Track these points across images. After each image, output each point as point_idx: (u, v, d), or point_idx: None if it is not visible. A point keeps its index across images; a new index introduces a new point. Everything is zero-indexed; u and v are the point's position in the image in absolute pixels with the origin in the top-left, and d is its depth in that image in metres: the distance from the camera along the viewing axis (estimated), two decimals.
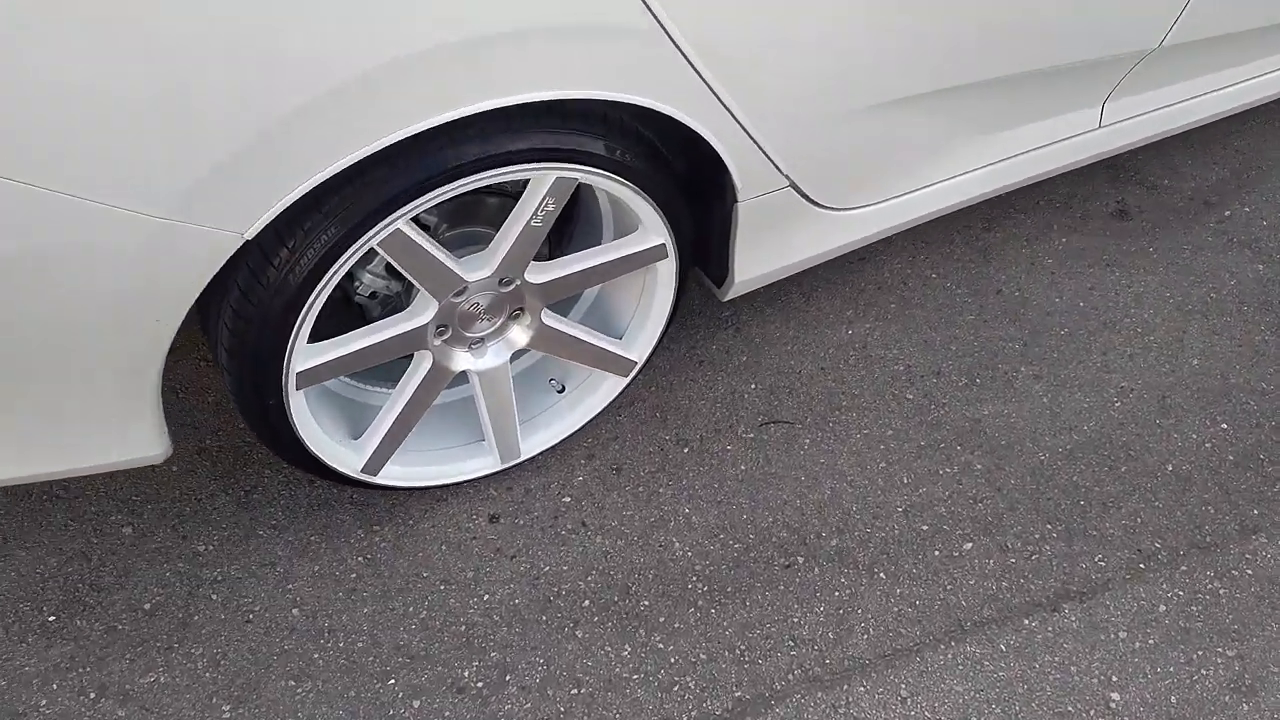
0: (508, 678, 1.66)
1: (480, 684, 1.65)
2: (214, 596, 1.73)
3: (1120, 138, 2.10)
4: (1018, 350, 2.14)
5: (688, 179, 1.65)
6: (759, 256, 1.81)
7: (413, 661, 1.67)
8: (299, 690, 1.64)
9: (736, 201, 1.66)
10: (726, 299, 1.88)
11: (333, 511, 1.84)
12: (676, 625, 1.72)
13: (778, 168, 1.64)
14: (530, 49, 1.29)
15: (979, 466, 1.94)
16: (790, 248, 1.84)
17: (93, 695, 1.61)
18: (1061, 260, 2.31)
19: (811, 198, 1.76)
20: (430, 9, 1.21)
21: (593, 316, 1.86)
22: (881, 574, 1.79)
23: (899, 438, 1.98)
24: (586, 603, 1.75)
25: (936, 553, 1.82)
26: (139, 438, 1.48)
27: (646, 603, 1.75)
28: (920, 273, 2.28)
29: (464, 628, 1.71)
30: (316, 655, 1.67)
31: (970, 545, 1.84)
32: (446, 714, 1.62)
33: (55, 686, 1.61)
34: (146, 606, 1.71)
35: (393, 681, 1.65)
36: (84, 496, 1.83)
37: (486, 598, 1.75)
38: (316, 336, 1.65)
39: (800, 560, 1.80)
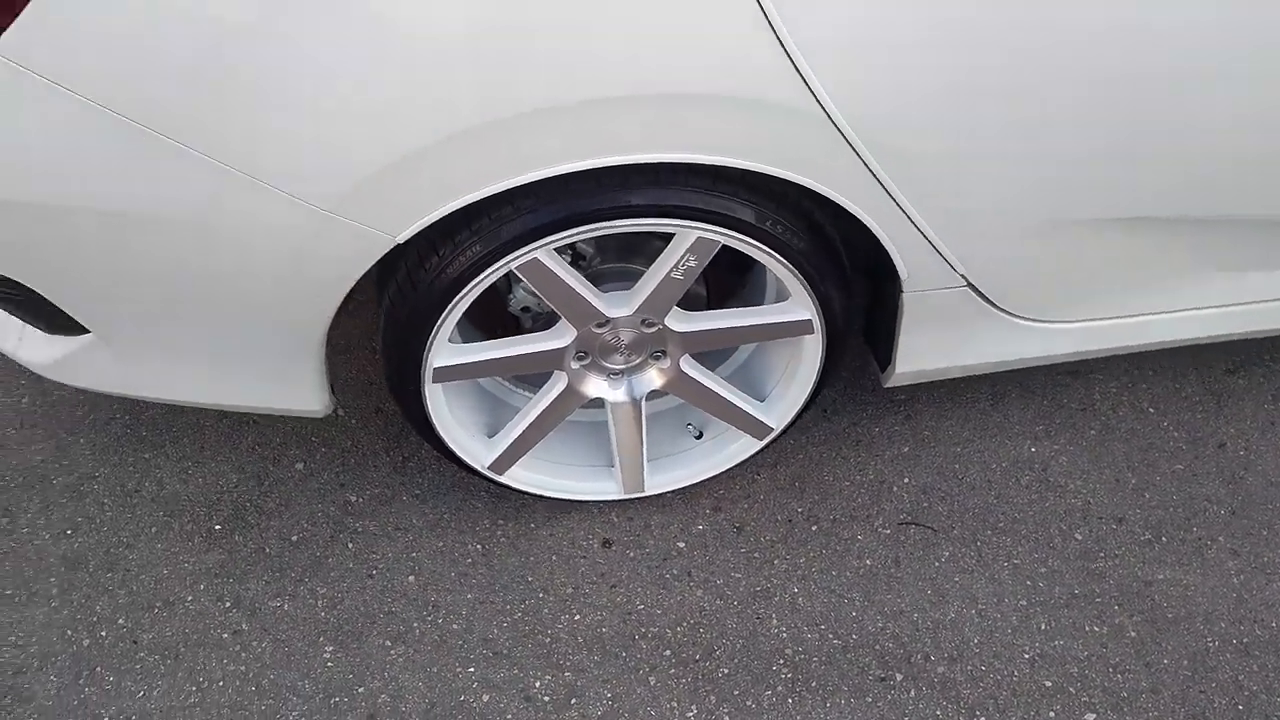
0: (573, 701, 1.69)
1: (547, 698, 1.70)
2: (350, 545, 1.89)
3: None
4: (1222, 517, 1.87)
5: (858, 252, 1.59)
6: (928, 349, 1.71)
7: (495, 657, 1.75)
8: (393, 651, 1.76)
9: (902, 291, 1.57)
10: (888, 385, 1.79)
11: (469, 495, 1.95)
12: (749, 703, 1.68)
13: (952, 266, 1.53)
14: (691, 113, 1.29)
15: (1133, 634, 1.73)
16: (968, 348, 1.72)
17: (228, 604, 1.82)
18: None
19: (996, 302, 1.63)
20: (620, 63, 1.24)
21: (742, 374, 1.84)
22: (983, 718, 1.65)
23: (1051, 578, 1.80)
24: (668, 652, 1.74)
25: (1052, 714, 1.64)
26: (301, 393, 1.65)
27: (726, 670, 1.71)
28: (1136, 403, 2.04)
29: (548, 639, 1.76)
30: (416, 624, 1.79)
31: (1093, 717, 1.64)
32: (509, 717, 1.68)
33: (203, 587, 1.84)
34: (294, 538, 1.90)
35: (471, 669, 1.73)
36: (273, 427, 2.06)
37: (577, 617, 1.79)
38: (478, 330, 1.77)
39: (899, 678, 1.69)
